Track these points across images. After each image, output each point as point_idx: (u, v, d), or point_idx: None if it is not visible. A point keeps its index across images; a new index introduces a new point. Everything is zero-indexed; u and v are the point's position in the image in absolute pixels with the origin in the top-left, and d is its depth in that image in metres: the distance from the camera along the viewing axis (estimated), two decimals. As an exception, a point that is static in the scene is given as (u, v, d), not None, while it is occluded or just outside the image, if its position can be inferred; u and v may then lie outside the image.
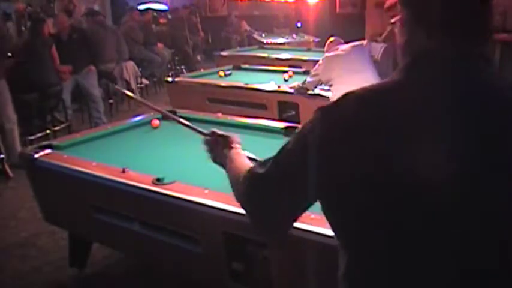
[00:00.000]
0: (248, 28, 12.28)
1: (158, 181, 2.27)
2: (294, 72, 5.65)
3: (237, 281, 2.08)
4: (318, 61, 4.05)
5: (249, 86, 4.98)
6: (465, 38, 0.95)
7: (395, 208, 0.92)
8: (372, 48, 3.98)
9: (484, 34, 0.98)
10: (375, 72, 3.73)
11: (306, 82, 4.11)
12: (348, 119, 0.98)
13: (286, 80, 5.38)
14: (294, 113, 4.54)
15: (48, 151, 2.79)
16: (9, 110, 4.89)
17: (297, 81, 4.50)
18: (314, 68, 4.04)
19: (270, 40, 9.98)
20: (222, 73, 5.88)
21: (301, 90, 4.24)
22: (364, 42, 4.12)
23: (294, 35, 10.80)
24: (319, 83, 4.00)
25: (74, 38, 6.13)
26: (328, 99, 3.87)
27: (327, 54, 3.96)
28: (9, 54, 5.40)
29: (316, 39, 9.59)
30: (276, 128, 3.27)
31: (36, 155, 2.73)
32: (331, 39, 4.12)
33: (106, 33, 7.02)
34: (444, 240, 0.91)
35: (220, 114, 3.62)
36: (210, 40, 13.13)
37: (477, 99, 0.93)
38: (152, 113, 3.79)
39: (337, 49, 3.94)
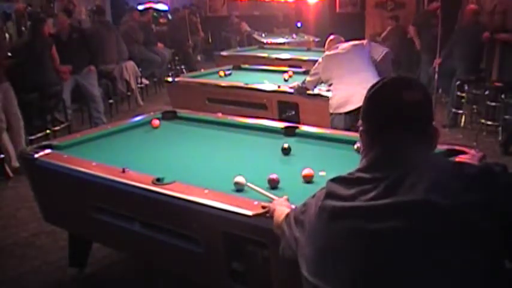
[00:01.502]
0: (248, 28, 12.28)
1: (158, 181, 2.27)
2: (294, 72, 5.65)
3: (237, 281, 2.08)
4: (318, 61, 4.05)
5: (249, 86, 4.98)
6: (409, 154, 1.21)
7: None
8: (372, 49, 3.97)
9: (430, 148, 1.27)
10: (375, 72, 3.73)
11: (306, 81, 4.10)
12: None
13: (286, 80, 5.37)
14: (294, 113, 4.54)
15: (48, 151, 2.79)
16: (16, 108, 4.90)
17: (297, 81, 4.50)
18: (314, 67, 4.04)
19: (270, 40, 9.98)
20: (222, 73, 5.89)
21: (301, 90, 4.23)
22: (365, 42, 4.11)
23: (294, 35, 10.79)
24: (319, 81, 3.99)
25: (74, 38, 6.12)
26: (328, 99, 3.87)
27: (326, 53, 3.95)
28: (9, 54, 5.40)
29: (316, 39, 9.59)
30: (276, 128, 3.27)
31: (36, 155, 2.72)
32: (331, 37, 4.11)
33: (109, 34, 7.02)
34: None
35: (220, 114, 3.62)
36: (210, 40, 13.13)
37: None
38: (152, 113, 3.80)
39: (337, 47, 3.93)
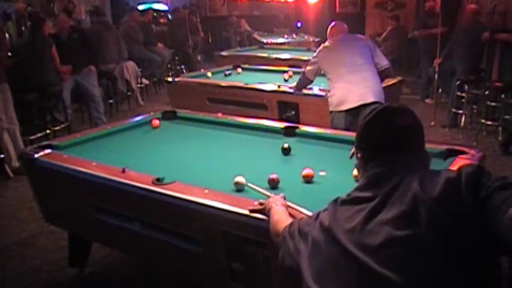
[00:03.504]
0: (248, 28, 12.28)
1: (158, 181, 2.27)
2: (294, 72, 5.64)
3: (237, 281, 2.08)
4: (318, 49, 4.03)
5: (249, 86, 4.98)
6: (402, 169, 1.27)
7: None
8: (375, 54, 3.91)
9: (425, 166, 1.34)
10: (375, 71, 3.72)
11: (306, 70, 4.07)
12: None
13: (286, 80, 5.38)
14: (294, 113, 4.54)
15: (48, 151, 2.79)
16: (12, 111, 4.90)
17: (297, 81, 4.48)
18: (313, 56, 4.02)
19: (270, 40, 9.98)
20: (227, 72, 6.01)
21: (301, 83, 4.22)
22: (370, 42, 4.08)
23: (294, 35, 10.80)
24: (319, 71, 3.96)
25: (74, 38, 6.12)
26: (327, 100, 3.86)
27: (326, 43, 3.94)
28: (9, 54, 5.40)
29: (316, 39, 9.59)
30: (276, 128, 3.27)
31: (36, 155, 2.72)
32: (333, 24, 4.06)
33: (109, 34, 7.01)
34: None
35: (220, 114, 3.62)
36: (210, 40, 13.13)
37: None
38: (152, 113, 3.80)
39: (338, 40, 3.90)
